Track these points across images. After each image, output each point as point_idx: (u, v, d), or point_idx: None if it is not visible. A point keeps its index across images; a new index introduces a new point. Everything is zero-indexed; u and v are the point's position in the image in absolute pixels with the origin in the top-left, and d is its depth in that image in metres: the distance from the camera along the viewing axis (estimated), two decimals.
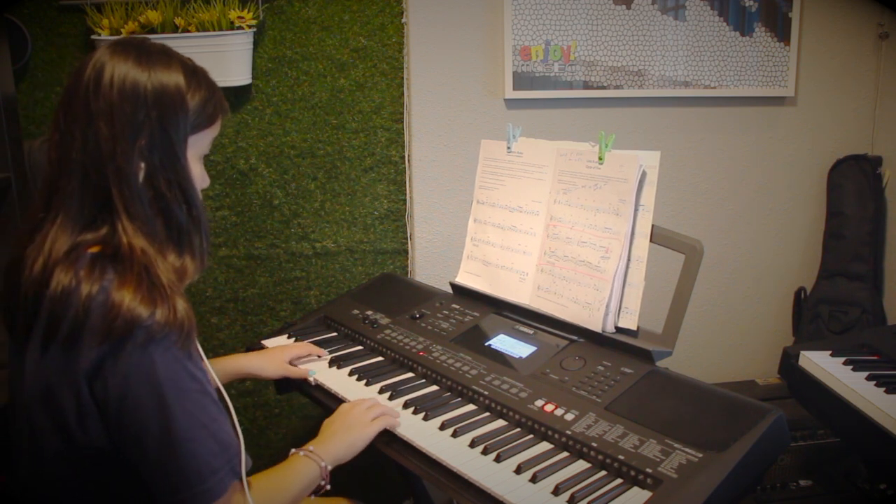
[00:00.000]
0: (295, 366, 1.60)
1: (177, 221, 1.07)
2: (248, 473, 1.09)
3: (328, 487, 1.23)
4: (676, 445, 1.14)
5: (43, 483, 1.06)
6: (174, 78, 1.06)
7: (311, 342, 1.71)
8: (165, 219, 1.07)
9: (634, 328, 1.43)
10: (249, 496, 1.06)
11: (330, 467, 1.23)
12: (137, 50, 1.06)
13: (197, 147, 1.11)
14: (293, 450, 1.25)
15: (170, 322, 0.97)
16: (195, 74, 1.09)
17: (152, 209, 1.05)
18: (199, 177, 1.13)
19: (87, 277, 0.98)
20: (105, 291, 0.97)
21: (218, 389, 1.11)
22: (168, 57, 1.08)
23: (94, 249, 1.02)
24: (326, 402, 1.51)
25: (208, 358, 2.34)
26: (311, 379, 1.54)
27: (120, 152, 1.02)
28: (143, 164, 1.04)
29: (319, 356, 1.64)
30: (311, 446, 1.25)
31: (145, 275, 0.99)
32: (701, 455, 1.10)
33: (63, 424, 1.00)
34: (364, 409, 1.33)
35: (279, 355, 1.60)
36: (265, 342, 1.76)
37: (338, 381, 1.54)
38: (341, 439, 1.28)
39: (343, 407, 1.37)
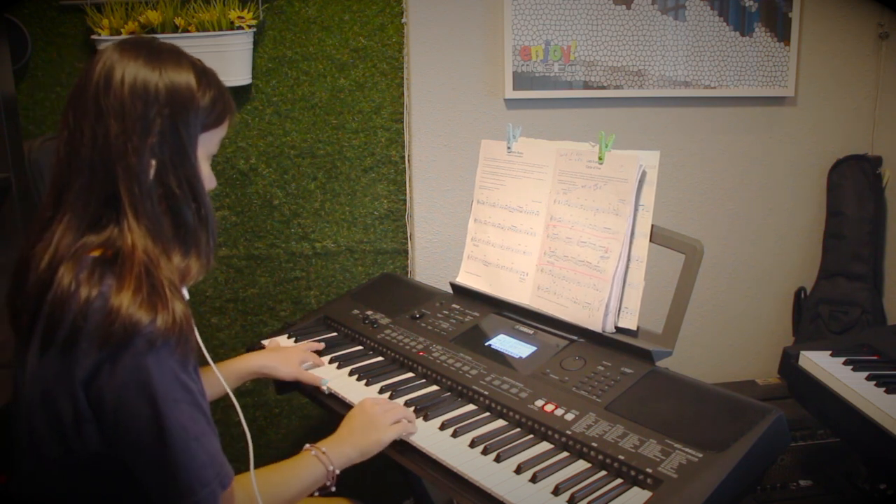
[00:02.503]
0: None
1: (185, 220, 1.06)
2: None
3: (333, 489, 1.23)
4: (676, 445, 1.14)
5: (42, 486, 1.05)
6: (185, 77, 1.05)
7: (311, 342, 1.71)
8: (173, 217, 1.06)
9: (634, 328, 1.43)
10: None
11: (338, 471, 1.23)
12: (147, 49, 1.06)
13: (206, 146, 1.11)
14: (307, 445, 1.25)
15: (169, 328, 0.96)
16: (205, 74, 1.09)
17: (161, 207, 1.04)
18: (207, 177, 1.12)
19: (87, 282, 0.97)
20: (103, 297, 0.96)
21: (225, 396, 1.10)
22: (178, 56, 1.07)
23: (96, 253, 1.01)
24: (327, 402, 1.51)
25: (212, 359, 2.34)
26: (324, 388, 1.52)
27: (131, 149, 1.01)
28: (153, 162, 1.03)
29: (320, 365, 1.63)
30: (324, 447, 1.25)
31: (146, 278, 0.98)
32: (701, 455, 1.10)
33: (60, 430, 0.99)
34: (383, 411, 1.32)
35: (294, 357, 1.58)
36: (265, 342, 1.76)
37: (338, 381, 1.54)
38: (356, 444, 1.28)
39: (366, 405, 1.35)
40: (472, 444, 1.25)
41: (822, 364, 1.62)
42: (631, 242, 1.44)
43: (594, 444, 1.18)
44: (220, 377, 1.18)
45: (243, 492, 1.09)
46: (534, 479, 1.14)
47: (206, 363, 1.14)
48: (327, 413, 1.50)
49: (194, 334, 1.03)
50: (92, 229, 1.02)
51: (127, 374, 0.95)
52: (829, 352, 1.68)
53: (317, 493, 1.24)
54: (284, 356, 1.59)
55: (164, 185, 1.04)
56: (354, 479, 1.26)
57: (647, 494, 1.08)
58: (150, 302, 0.96)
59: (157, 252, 1.02)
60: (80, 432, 0.99)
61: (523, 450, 1.23)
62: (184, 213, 1.06)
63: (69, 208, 1.03)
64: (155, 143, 1.03)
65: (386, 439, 1.29)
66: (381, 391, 1.47)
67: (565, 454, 1.21)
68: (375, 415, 1.32)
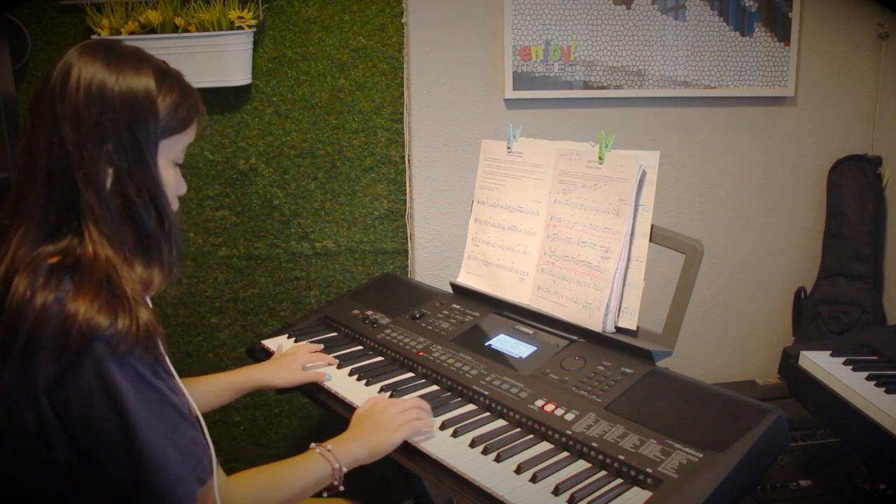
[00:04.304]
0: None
1: (146, 229, 1.04)
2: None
3: (341, 489, 1.22)
4: (676, 445, 1.14)
5: (13, 491, 1.03)
6: (143, 81, 1.02)
7: (311, 342, 1.71)
8: (134, 227, 1.04)
9: (634, 328, 1.43)
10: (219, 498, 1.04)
11: (346, 469, 1.22)
12: (107, 52, 1.03)
13: (169, 153, 1.08)
14: (312, 444, 1.24)
15: (132, 333, 0.94)
16: (167, 77, 1.06)
17: (120, 216, 1.02)
18: (174, 183, 1.10)
19: (43, 288, 0.95)
20: (60, 302, 0.93)
21: (196, 418, 1.08)
22: (139, 59, 1.04)
23: (53, 260, 0.99)
24: (327, 402, 1.51)
25: (209, 359, 2.34)
26: (327, 381, 1.53)
27: (87, 157, 0.99)
28: (110, 170, 1.01)
29: (330, 363, 1.62)
30: (329, 445, 1.24)
31: (106, 283, 0.96)
32: (701, 455, 1.10)
33: (26, 440, 0.97)
34: (396, 412, 1.30)
35: (293, 363, 1.58)
36: (265, 342, 1.77)
37: (338, 381, 1.54)
38: (365, 443, 1.26)
39: (378, 406, 1.34)
40: (473, 444, 1.25)
41: (822, 364, 1.62)
42: (631, 242, 1.44)
43: (594, 444, 1.18)
44: (189, 397, 1.15)
45: (238, 491, 1.08)
46: (534, 479, 1.14)
47: (196, 374, 1.12)
48: (327, 413, 1.50)
49: (163, 341, 1.00)
50: (50, 239, 1.00)
51: (91, 381, 0.93)
52: (829, 352, 1.68)
53: (325, 494, 1.23)
54: (281, 365, 1.58)
55: (123, 194, 1.02)
56: (355, 479, 1.26)
57: (647, 494, 1.08)
58: (110, 307, 0.94)
59: (119, 261, 1.00)
60: (46, 443, 0.97)
61: (523, 450, 1.23)
62: (144, 222, 1.04)
63: (26, 218, 1.00)
64: (111, 151, 1.00)
65: (396, 440, 1.27)
66: (381, 391, 1.47)
67: (565, 454, 1.21)
68: (387, 415, 1.30)
